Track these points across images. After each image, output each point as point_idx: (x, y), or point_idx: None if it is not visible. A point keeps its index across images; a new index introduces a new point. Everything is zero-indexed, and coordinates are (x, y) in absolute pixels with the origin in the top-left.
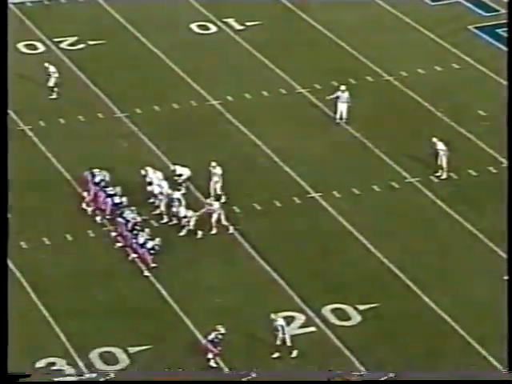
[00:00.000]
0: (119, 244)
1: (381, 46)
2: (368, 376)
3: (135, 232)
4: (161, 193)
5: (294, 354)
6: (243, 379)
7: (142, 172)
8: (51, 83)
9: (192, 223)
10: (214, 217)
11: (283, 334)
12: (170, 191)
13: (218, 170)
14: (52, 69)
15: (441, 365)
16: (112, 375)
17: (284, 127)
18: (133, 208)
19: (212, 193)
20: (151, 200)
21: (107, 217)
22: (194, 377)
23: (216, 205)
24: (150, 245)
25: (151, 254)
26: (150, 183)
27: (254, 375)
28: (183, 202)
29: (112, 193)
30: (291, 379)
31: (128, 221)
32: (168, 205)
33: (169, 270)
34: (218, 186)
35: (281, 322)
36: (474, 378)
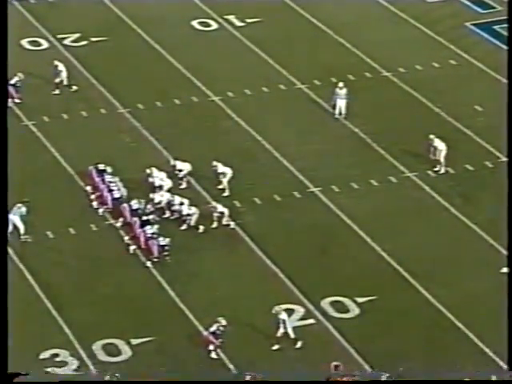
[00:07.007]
0: (126, 238)
1: (379, 42)
2: (367, 376)
3: (142, 221)
4: (160, 202)
5: (299, 344)
6: (247, 379)
7: (147, 171)
8: (57, 80)
9: (194, 220)
10: (216, 215)
11: (285, 328)
12: (170, 197)
13: (221, 169)
14: (61, 67)
15: (439, 358)
16: (118, 375)
17: (284, 123)
18: (142, 200)
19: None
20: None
21: (110, 210)
22: (195, 376)
23: (220, 208)
24: (163, 242)
25: (163, 251)
26: (153, 187)
27: (258, 376)
28: (186, 202)
29: (115, 188)
30: (291, 379)
31: (135, 210)
32: (169, 204)
33: (170, 262)
34: (225, 180)
35: (284, 315)
36: (474, 378)
